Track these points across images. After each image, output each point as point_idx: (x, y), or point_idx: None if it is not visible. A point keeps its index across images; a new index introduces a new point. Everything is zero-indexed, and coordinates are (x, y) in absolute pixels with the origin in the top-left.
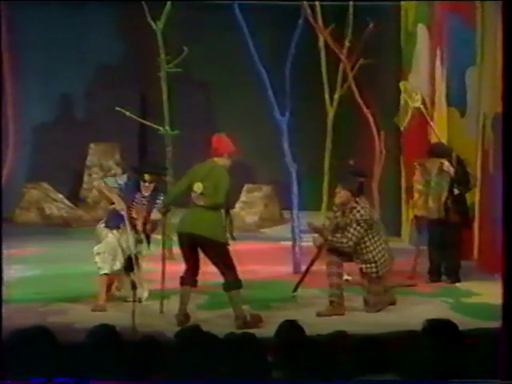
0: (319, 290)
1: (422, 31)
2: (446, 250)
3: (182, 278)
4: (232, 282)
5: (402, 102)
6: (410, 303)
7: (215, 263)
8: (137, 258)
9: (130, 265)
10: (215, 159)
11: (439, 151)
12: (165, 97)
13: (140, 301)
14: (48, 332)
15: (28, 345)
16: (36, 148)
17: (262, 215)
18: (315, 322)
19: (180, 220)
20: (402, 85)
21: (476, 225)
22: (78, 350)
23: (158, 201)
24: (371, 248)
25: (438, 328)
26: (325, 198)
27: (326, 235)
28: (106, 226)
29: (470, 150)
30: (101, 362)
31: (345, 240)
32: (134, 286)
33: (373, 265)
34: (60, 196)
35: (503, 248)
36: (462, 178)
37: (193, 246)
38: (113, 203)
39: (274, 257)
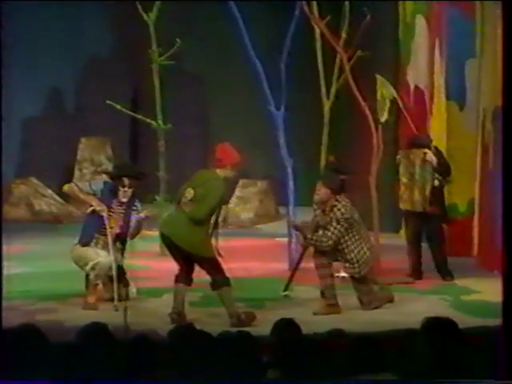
0: (315, 287)
1: (420, 23)
2: (433, 245)
3: (176, 276)
4: (219, 280)
5: (378, 94)
6: (408, 301)
7: (199, 266)
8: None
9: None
10: (217, 170)
11: (421, 142)
12: (157, 90)
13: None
14: (37, 331)
15: (17, 344)
16: (25, 143)
17: (257, 211)
18: (311, 321)
19: (163, 220)
20: (377, 77)
21: (475, 220)
22: (69, 350)
23: (135, 207)
24: (352, 247)
25: (437, 326)
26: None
27: (306, 233)
28: (84, 244)
29: (470, 144)
30: (92, 362)
31: (324, 239)
32: (126, 284)
33: (355, 265)
34: (50, 191)
35: (503, 244)
36: (442, 168)
37: (175, 246)
38: (91, 205)
39: (270, 253)
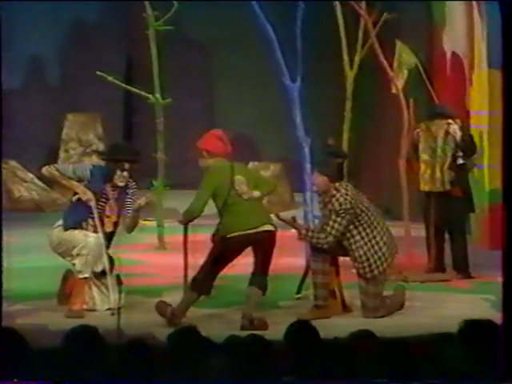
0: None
1: None
2: (453, 235)
3: (195, 279)
4: (259, 279)
5: (395, 62)
6: (443, 301)
7: (258, 248)
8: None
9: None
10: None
11: (444, 111)
12: (154, 59)
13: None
14: (17, 336)
15: None
16: (1, 119)
17: (269, 198)
18: (331, 323)
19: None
20: (396, 42)
21: None
22: (54, 357)
23: (130, 190)
24: (361, 243)
25: (478, 330)
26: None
27: (300, 229)
28: (66, 227)
29: None
30: (81, 370)
31: (322, 235)
32: (119, 282)
33: (365, 263)
34: (30, 176)
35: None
36: (467, 147)
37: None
38: (75, 194)
39: (284, 247)
